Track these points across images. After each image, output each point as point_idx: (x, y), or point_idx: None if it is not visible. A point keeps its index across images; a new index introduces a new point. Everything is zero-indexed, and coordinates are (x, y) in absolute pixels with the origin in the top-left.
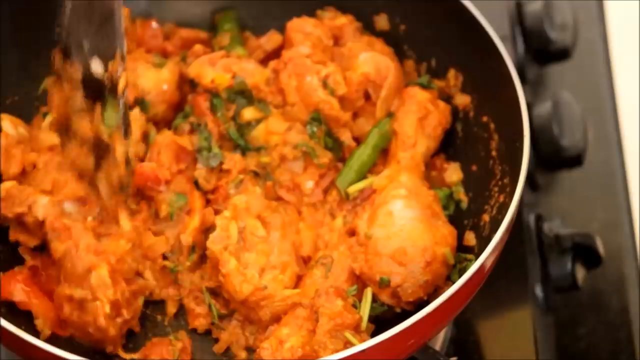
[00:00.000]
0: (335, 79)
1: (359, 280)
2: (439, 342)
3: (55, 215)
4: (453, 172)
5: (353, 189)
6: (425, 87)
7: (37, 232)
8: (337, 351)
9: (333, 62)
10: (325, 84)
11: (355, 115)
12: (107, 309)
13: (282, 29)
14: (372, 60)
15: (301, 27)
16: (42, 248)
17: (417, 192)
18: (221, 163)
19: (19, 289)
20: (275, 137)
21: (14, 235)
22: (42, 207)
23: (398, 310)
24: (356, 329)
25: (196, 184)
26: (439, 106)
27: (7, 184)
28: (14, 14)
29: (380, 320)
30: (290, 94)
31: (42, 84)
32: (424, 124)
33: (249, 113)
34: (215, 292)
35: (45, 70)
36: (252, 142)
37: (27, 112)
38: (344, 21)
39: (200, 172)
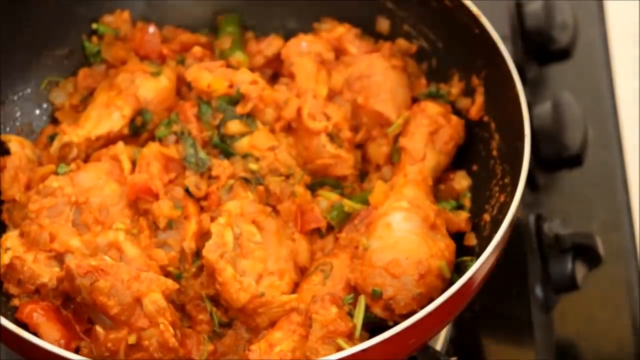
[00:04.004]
0: (340, 127)
1: (356, 290)
2: (439, 342)
3: (81, 260)
4: (461, 179)
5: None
6: (435, 96)
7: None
8: None
9: (336, 74)
10: (332, 137)
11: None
12: (171, 329)
13: (283, 29)
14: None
15: (296, 49)
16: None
17: (418, 205)
18: (210, 169)
19: (34, 316)
20: (258, 152)
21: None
22: (71, 262)
23: (391, 323)
24: (349, 336)
25: (187, 192)
26: (451, 120)
27: (7, 258)
28: (15, 13)
29: (376, 329)
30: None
31: (42, 84)
32: (435, 138)
33: (234, 126)
34: (215, 300)
35: (45, 70)
36: (236, 150)
37: (27, 112)
38: (342, 31)
39: (190, 179)
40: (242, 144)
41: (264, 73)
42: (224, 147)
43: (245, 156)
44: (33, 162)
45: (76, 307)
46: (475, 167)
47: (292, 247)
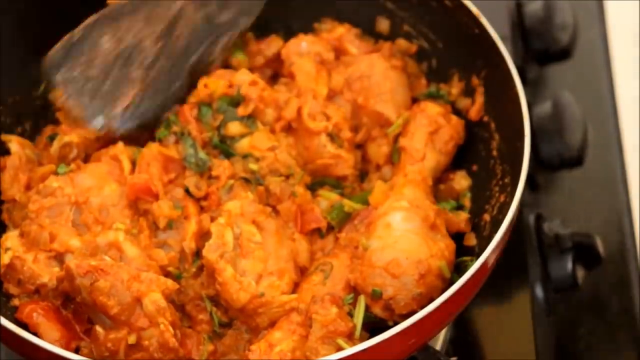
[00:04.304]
0: (340, 127)
1: (356, 290)
2: (439, 342)
3: (81, 260)
4: (461, 179)
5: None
6: (435, 96)
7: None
8: None
9: (336, 74)
10: (332, 138)
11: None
12: (171, 329)
13: (283, 29)
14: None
15: (296, 49)
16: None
17: (418, 205)
18: (210, 169)
19: (34, 315)
20: (258, 152)
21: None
22: (71, 262)
23: (391, 323)
24: (349, 336)
25: (187, 192)
26: (451, 120)
27: (7, 258)
28: (15, 14)
29: (376, 329)
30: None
31: (42, 84)
32: (435, 138)
33: (234, 128)
34: (215, 300)
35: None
36: (236, 151)
37: (27, 112)
38: (342, 31)
39: (190, 179)
40: (242, 145)
41: (263, 73)
42: (224, 147)
43: (245, 156)
44: (33, 162)
45: (76, 307)
46: (475, 167)
47: (292, 247)
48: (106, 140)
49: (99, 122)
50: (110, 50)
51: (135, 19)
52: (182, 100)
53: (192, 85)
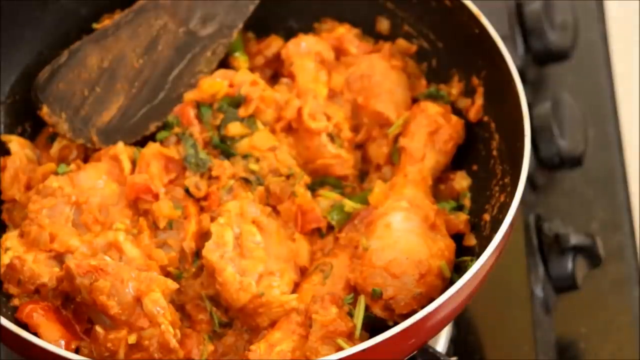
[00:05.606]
0: (340, 127)
1: (356, 290)
2: (439, 342)
3: (81, 260)
4: (462, 179)
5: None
6: (435, 96)
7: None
8: None
9: (337, 74)
10: (332, 138)
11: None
12: (172, 329)
13: (283, 29)
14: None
15: (296, 49)
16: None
17: (418, 205)
18: (210, 169)
19: (34, 315)
20: (258, 153)
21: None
22: (71, 261)
23: (391, 323)
24: (349, 336)
25: (187, 192)
26: (451, 120)
27: (6, 259)
28: (15, 14)
29: (376, 329)
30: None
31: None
32: (434, 138)
33: (235, 128)
34: (215, 300)
35: None
36: (237, 151)
37: (27, 112)
38: (342, 31)
39: (190, 180)
40: (242, 145)
41: (264, 73)
42: (224, 147)
43: (245, 156)
44: (33, 162)
45: (76, 307)
46: (475, 167)
47: (292, 247)
48: None
49: (84, 134)
50: (95, 66)
51: (119, 37)
52: (167, 111)
53: (177, 96)
